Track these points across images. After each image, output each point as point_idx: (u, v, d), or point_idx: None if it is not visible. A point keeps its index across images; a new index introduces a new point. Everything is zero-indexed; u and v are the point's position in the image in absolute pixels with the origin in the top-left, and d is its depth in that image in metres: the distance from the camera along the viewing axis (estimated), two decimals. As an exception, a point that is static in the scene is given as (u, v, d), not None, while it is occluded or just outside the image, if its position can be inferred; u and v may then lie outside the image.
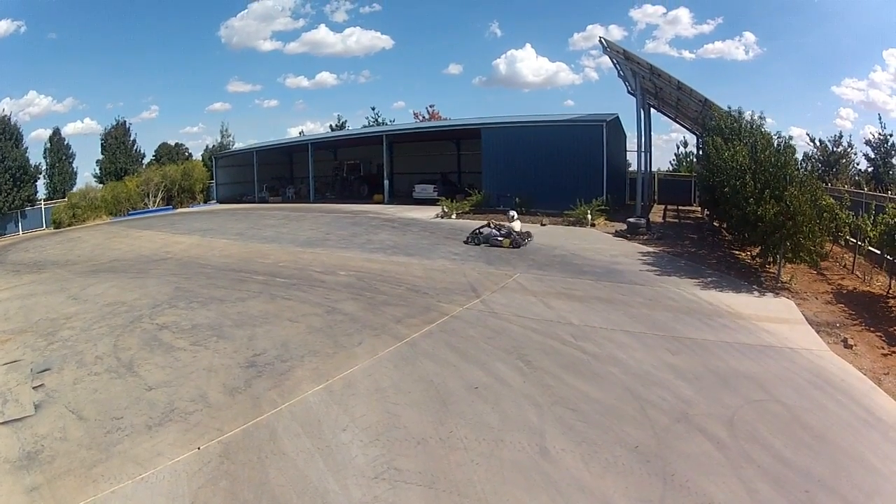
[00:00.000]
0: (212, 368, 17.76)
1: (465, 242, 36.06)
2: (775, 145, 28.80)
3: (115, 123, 78.95)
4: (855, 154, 61.55)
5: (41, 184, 68.60)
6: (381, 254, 34.09)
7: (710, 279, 26.29)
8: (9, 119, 63.29)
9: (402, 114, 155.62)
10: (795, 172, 26.69)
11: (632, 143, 59.48)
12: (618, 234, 39.37)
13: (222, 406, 15.29)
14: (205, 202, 76.68)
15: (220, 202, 77.07)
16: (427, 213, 50.86)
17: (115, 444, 13.60)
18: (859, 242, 28.53)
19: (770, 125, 33.41)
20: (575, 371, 16.54)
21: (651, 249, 33.59)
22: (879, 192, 34.05)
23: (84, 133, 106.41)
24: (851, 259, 29.12)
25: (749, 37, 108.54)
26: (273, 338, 20.16)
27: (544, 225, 43.36)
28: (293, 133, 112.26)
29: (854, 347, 18.28)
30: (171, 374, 17.51)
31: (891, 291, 24.15)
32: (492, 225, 37.16)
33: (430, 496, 11.14)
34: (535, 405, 14.60)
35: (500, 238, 34.83)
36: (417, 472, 11.94)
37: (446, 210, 50.00)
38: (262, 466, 12.46)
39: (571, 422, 13.71)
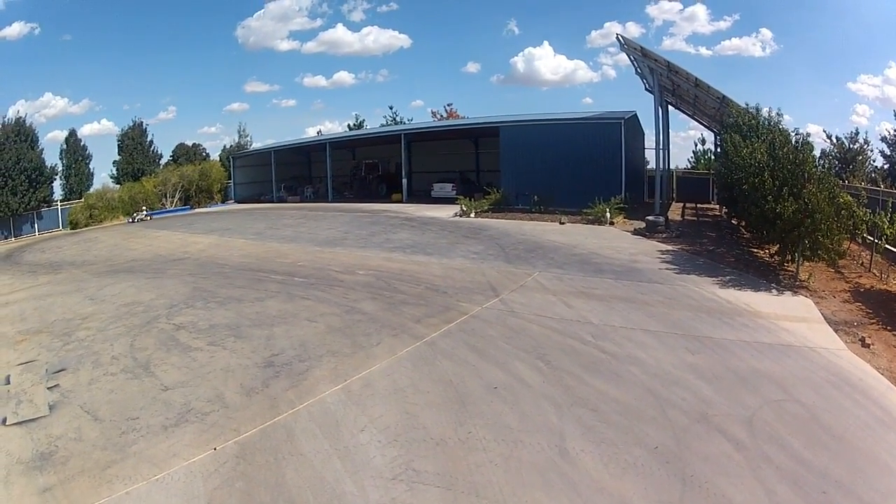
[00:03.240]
0: (229, 369, 17.83)
1: None
2: (793, 142, 28.69)
3: (131, 124, 79.75)
4: (871, 151, 61.41)
5: (57, 185, 69.28)
6: (400, 253, 34.12)
7: (728, 278, 26.16)
8: (24, 121, 64.00)
9: (420, 113, 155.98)
10: (813, 170, 26.55)
11: (650, 141, 59.26)
12: (636, 232, 39.24)
13: (239, 406, 15.33)
14: (222, 202, 76.95)
15: (238, 202, 77.31)
16: (446, 212, 50.83)
17: (131, 444, 13.68)
18: (876, 240, 28.32)
19: (787, 122, 33.40)
20: (595, 371, 16.51)
21: (670, 248, 33.46)
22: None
23: (101, 134, 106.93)
24: (868, 257, 28.92)
25: (765, 33, 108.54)
26: (291, 338, 20.18)
27: (563, 223, 43.16)
28: (311, 133, 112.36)
29: (872, 346, 18.16)
30: (188, 374, 17.60)
31: (908, 289, 23.96)
32: None
33: (448, 498, 11.13)
34: (554, 405, 14.58)
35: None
36: (436, 473, 11.93)
37: (465, 209, 49.85)
38: (279, 467, 12.49)
39: (591, 422, 13.69)
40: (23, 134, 62.60)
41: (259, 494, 11.56)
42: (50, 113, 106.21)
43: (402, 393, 15.64)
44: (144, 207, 63.38)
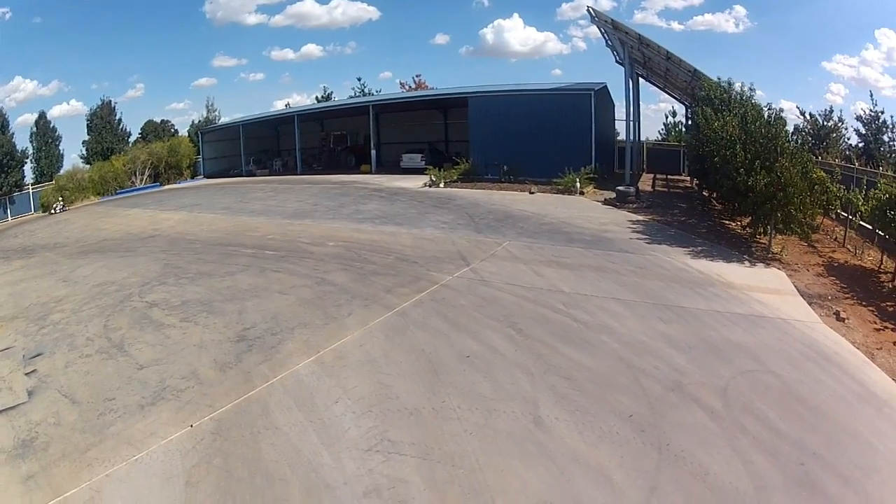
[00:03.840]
0: (202, 344, 17.76)
1: None
2: (766, 117, 28.73)
3: (100, 103, 78.52)
4: (846, 129, 61.52)
5: (28, 168, 68.43)
6: (370, 224, 34.01)
7: (700, 248, 26.24)
8: None
9: (388, 84, 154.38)
10: (786, 144, 26.65)
11: (620, 113, 59.26)
12: (607, 202, 39.20)
13: (214, 382, 15.30)
14: (192, 178, 76.29)
15: (208, 177, 76.54)
16: (415, 183, 50.63)
17: (109, 426, 13.62)
18: (850, 217, 28.44)
19: (760, 97, 33.23)
20: (567, 339, 16.53)
21: (641, 218, 33.49)
22: (871, 167, 34.04)
23: (70, 115, 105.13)
24: (842, 232, 29.02)
25: (739, 10, 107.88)
26: (263, 311, 20.14)
27: (533, 193, 43.19)
28: (279, 106, 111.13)
29: (846, 321, 18.22)
30: (162, 351, 17.53)
31: (882, 266, 24.10)
32: None
33: (424, 468, 11.14)
34: (527, 374, 14.60)
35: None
36: (411, 443, 11.95)
37: (434, 179, 49.67)
38: (255, 442, 12.48)
39: (565, 391, 13.71)
40: None
41: (237, 470, 11.55)
42: (20, 97, 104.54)
43: (375, 363, 15.60)
44: (61, 198, 61.58)
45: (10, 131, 63.60)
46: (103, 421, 13.83)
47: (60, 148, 73.07)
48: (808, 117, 62.57)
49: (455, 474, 10.90)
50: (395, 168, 62.94)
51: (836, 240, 29.30)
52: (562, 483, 10.55)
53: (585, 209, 36.88)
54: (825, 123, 61.13)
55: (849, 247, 27.67)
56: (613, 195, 39.95)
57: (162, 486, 11.27)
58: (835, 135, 60.34)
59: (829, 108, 62.64)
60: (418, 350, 16.25)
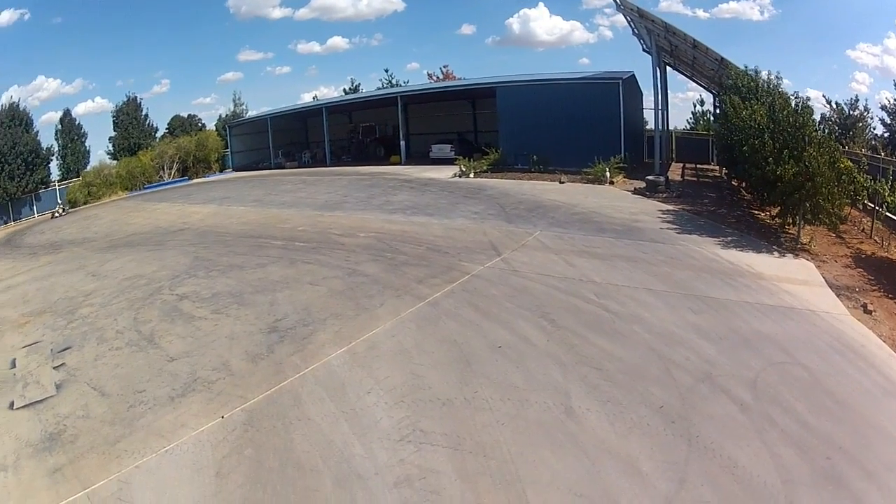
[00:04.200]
0: (233, 336, 17.95)
1: None
2: (793, 105, 28.61)
3: (125, 100, 78.89)
4: (871, 118, 60.91)
5: (54, 165, 68.84)
6: (401, 214, 34.07)
7: (730, 238, 26.13)
8: (17, 105, 63.61)
9: (416, 75, 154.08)
10: (814, 133, 26.49)
11: (648, 102, 58.90)
12: (637, 191, 39.10)
13: (245, 373, 15.48)
14: (221, 171, 76.49)
15: (237, 170, 76.80)
16: (444, 173, 50.61)
17: (139, 417, 13.83)
18: (877, 207, 28.29)
19: (786, 86, 33.05)
20: (599, 330, 16.59)
21: (670, 207, 33.40)
22: (896, 157, 33.82)
23: (96, 112, 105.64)
24: (869, 223, 28.85)
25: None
26: (294, 302, 20.30)
27: (562, 183, 43.04)
28: (307, 98, 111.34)
29: (874, 313, 18.17)
30: (193, 343, 17.73)
31: (909, 259, 23.94)
32: None
33: (455, 458, 11.26)
34: (559, 364, 14.68)
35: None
36: (443, 433, 12.06)
37: (464, 169, 49.66)
38: (287, 432, 12.64)
39: (596, 381, 13.80)
40: (17, 118, 62.15)
41: (268, 460, 11.71)
42: (43, 96, 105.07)
43: (407, 354, 15.74)
44: (60, 203, 61.28)
45: (35, 129, 63.99)
46: (133, 413, 14.06)
47: (86, 144, 73.27)
48: (835, 106, 62.05)
49: (486, 464, 11.02)
50: (424, 159, 62.74)
51: (863, 230, 29.12)
52: (592, 474, 10.65)
53: (615, 199, 36.75)
54: (851, 112, 60.60)
55: (876, 238, 27.50)
56: (643, 185, 39.80)
57: (192, 477, 11.44)
58: (860, 124, 59.80)
59: (854, 97, 62.22)
60: (450, 340, 16.36)
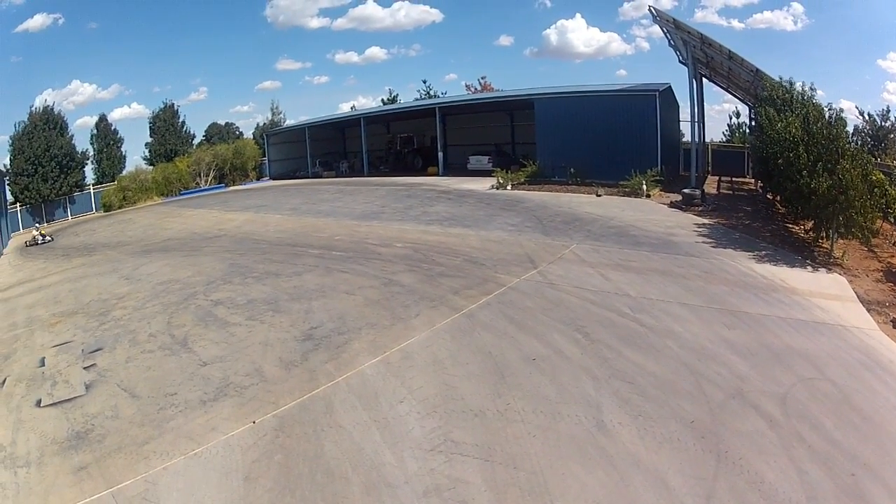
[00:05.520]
0: (267, 342, 18.19)
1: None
2: (827, 117, 28.56)
3: (162, 106, 79.81)
4: (903, 130, 60.35)
5: (89, 169, 69.71)
6: (438, 225, 34.27)
7: (764, 252, 26.07)
8: (51, 109, 64.71)
9: (453, 86, 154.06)
10: (847, 146, 26.43)
11: (685, 114, 58.76)
12: (673, 205, 39.08)
13: (278, 380, 15.70)
14: (257, 179, 77.33)
15: (274, 179, 77.72)
16: (482, 185, 50.80)
17: (168, 420, 14.08)
18: (909, 221, 28.11)
19: (820, 97, 32.88)
20: (632, 344, 16.67)
21: (706, 221, 33.32)
22: (929, 171, 33.57)
23: (132, 118, 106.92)
24: (900, 237, 28.64)
25: (797, 7, 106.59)
26: (329, 311, 20.52)
27: (599, 196, 43.11)
28: (344, 108, 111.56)
29: (902, 329, 18.12)
30: (226, 349, 18.00)
31: (939, 274, 23.77)
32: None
33: (486, 469, 11.38)
34: (592, 378, 14.79)
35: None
36: (474, 444, 12.19)
37: (501, 181, 49.89)
38: (318, 439, 12.81)
39: (628, 395, 13.90)
40: (51, 122, 63.54)
41: (298, 466, 11.89)
42: (78, 100, 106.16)
43: (441, 364, 15.90)
44: (36, 224, 55.41)
45: (70, 133, 64.96)
46: (163, 415, 14.32)
47: (122, 149, 74.85)
48: (867, 117, 61.51)
49: (516, 476, 11.14)
50: (461, 170, 63.12)
51: (894, 244, 28.85)
52: (620, 488, 10.76)
53: (651, 212, 36.79)
54: (882, 124, 60.04)
55: (906, 252, 27.26)
56: (679, 198, 39.79)
57: (220, 481, 11.63)
58: (892, 135, 59.21)
59: (886, 108, 61.54)
60: (484, 352, 16.49)
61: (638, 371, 15.07)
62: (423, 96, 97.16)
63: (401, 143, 75.81)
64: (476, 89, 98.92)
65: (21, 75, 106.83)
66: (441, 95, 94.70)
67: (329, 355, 16.93)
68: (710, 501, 10.30)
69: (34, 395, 16.19)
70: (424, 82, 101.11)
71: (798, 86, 34.33)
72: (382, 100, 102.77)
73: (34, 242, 47.68)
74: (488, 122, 72.50)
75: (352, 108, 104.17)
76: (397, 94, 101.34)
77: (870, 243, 27.12)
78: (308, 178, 74.94)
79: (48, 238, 48.30)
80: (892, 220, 30.38)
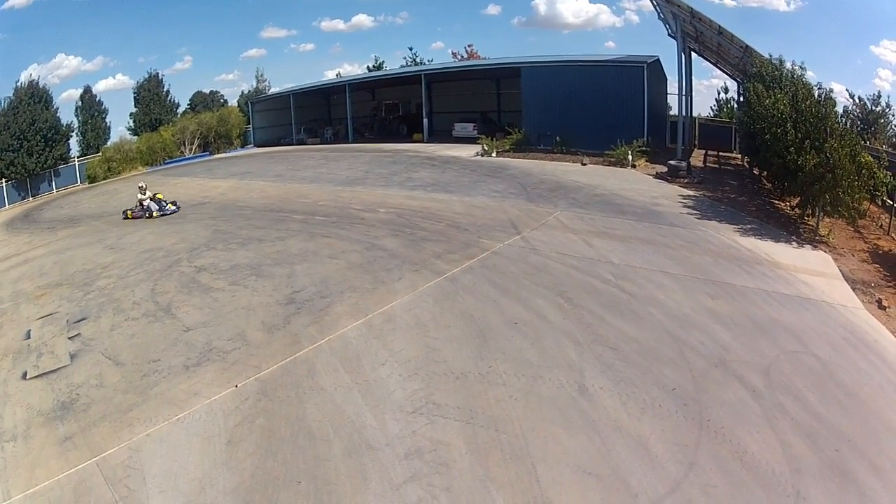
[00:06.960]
0: (251, 307, 18.15)
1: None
2: (816, 96, 28.51)
3: (147, 76, 79.13)
4: (893, 115, 60.45)
5: (74, 141, 69.07)
6: (421, 191, 34.18)
7: (749, 226, 26.09)
8: (37, 83, 63.90)
9: (440, 54, 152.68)
10: (836, 125, 26.38)
11: (672, 87, 58.60)
12: (658, 176, 39.03)
13: (261, 343, 15.67)
14: (242, 147, 76.70)
15: (258, 146, 76.97)
16: (467, 152, 50.58)
17: (152, 386, 14.05)
18: (896, 204, 28.18)
19: (810, 77, 32.74)
20: (615, 310, 16.70)
21: (691, 193, 33.28)
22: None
23: (117, 89, 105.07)
24: (888, 220, 28.66)
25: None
26: (313, 275, 20.51)
27: (585, 164, 43.08)
28: (330, 76, 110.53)
29: (888, 309, 18.15)
30: (210, 314, 17.94)
31: (925, 258, 23.82)
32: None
33: (467, 431, 11.41)
34: (574, 343, 14.81)
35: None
36: (456, 406, 12.21)
37: (486, 148, 49.67)
38: (300, 402, 12.82)
39: (610, 360, 13.92)
40: (36, 96, 62.47)
41: (280, 430, 11.91)
42: (63, 73, 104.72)
43: (424, 327, 15.89)
44: (141, 185, 43.41)
45: (55, 106, 64.17)
46: (146, 382, 14.27)
47: (107, 121, 73.50)
48: (858, 101, 61.58)
49: (497, 439, 11.16)
50: (447, 137, 62.54)
51: (881, 227, 28.89)
52: (602, 452, 10.78)
53: (637, 182, 36.75)
54: (873, 108, 60.15)
55: (893, 234, 27.30)
56: (665, 169, 39.70)
57: (203, 445, 11.63)
58: (882, 120, 59.36)
59: (877, 93, 61.60)
60: (467, 315, 16.49)
61: (620, 337, 15.09)
62: (409, 63, 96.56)
63: (386, 110, 75.80)
64: (463, 57, 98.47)
65: (7, 52, 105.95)
66: (427, 63, 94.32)
67: (311, 318, 16.90)
68: (691, 469, 10.32)
69: (20, 368, 16.06)
70: (411, 49, 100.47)
71: (788, 64, 34.25)
72: (368, 67, 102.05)
73: (147, 213, 34.24)
74: (474, 90, 72.26)
75: (337, 76, 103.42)
76: (383, 62, 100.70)
77: (856, 224, 27.13)
78: (293, 145, 74.25)
79: (168, 206, 34.88)
80: (879, 202, 30.41)
